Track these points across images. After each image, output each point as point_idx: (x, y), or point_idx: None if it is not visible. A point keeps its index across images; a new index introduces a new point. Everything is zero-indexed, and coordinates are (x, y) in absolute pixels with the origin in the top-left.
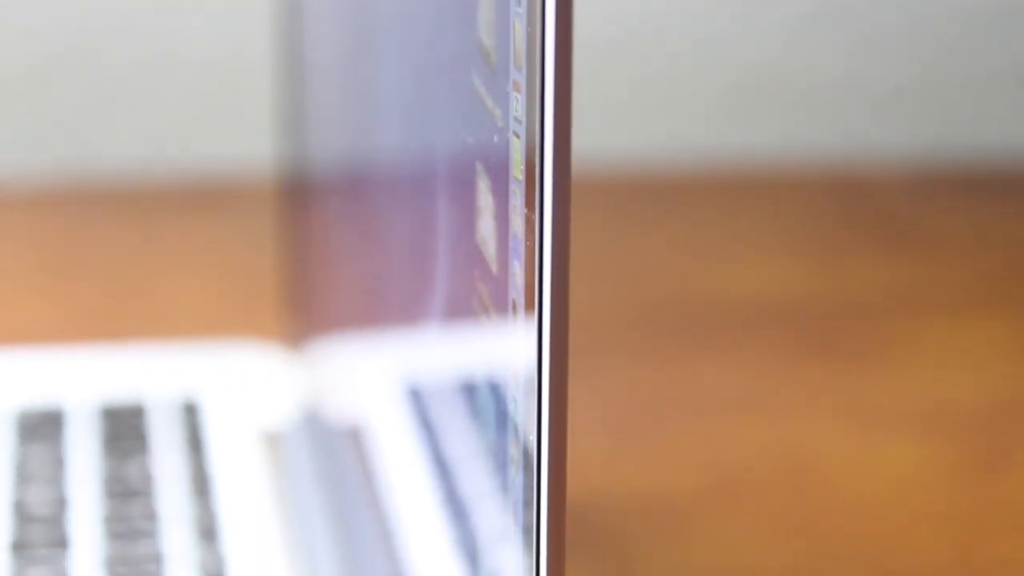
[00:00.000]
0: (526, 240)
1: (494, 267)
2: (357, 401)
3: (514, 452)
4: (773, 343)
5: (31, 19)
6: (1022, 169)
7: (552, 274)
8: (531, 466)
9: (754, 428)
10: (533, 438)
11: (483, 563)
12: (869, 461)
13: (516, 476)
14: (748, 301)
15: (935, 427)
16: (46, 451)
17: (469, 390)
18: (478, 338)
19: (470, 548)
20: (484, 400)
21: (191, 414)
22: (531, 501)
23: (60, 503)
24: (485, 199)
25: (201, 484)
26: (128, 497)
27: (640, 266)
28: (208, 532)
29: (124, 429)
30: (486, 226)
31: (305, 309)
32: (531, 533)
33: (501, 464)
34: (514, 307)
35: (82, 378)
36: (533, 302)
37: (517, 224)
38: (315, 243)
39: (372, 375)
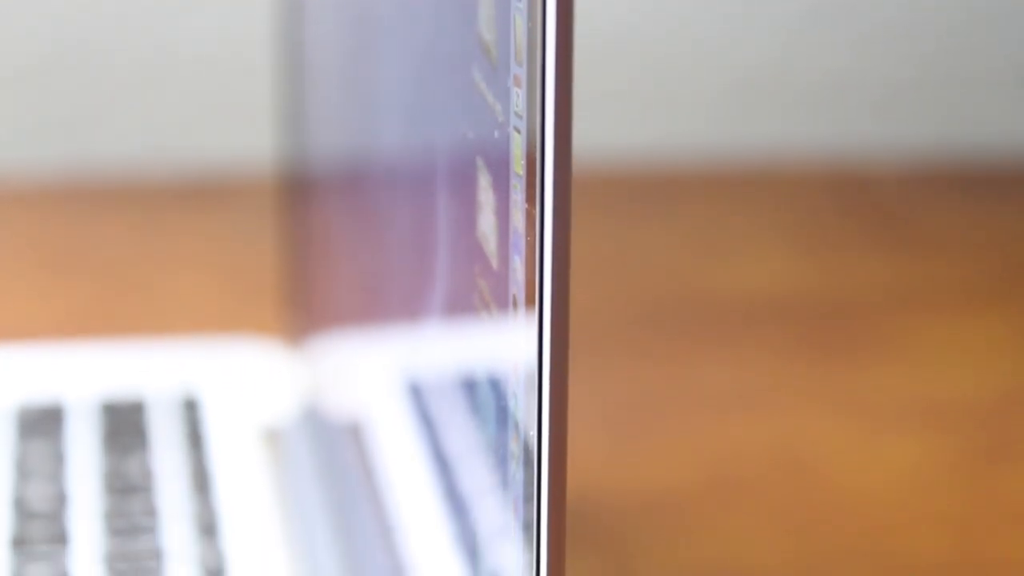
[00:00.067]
0: (527, 235)
1: (495, 262)
2: (357, 397)
3: (514, 448)
4: (773, 340)
5: (31, 16)
6: (1022, 166)
7: (553, 269)
8: (531, 462)
9: (753, 424)
10: (533, 434)
11: (483, 559)
12: (868, 457)
13: (516, 472)
14: (748, 298)
15: (934, 423)
16: (46, 447)
17: (469, 386)
18: (478, 334)
19: (470, 544)
20: (484, 396)
21: (191, 410)
22: (531, 497)
23: (60, 499)
24: (486, 194)
25: (201, 480)
26: (128, 493)
27: (640, 262)
28: (208, 528)
29: (124, 425)
30: (487, 221)
31: (305, 305)
32: (531, 529)
33: (501, 460)
34: (514, 302)
35: (82, 374)
36: (534, 297)
37: (518, 219)
38: (315, 239)
39: (372, 371)
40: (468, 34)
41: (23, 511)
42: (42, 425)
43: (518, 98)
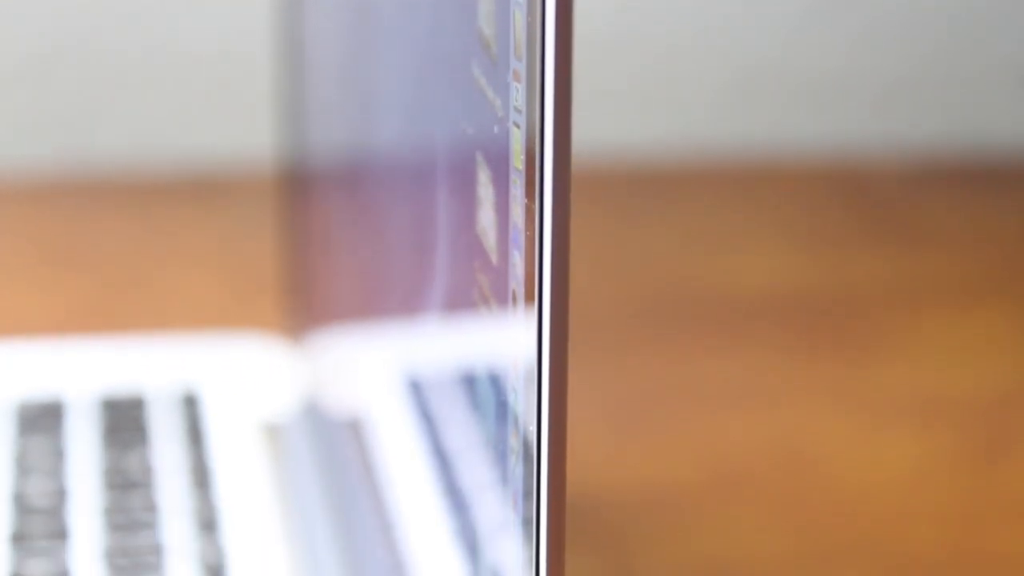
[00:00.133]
0: (526, 230)
1: (494, 258)
2: (357, 392)
3: (514, 443)
4: (773, 335)
5: (31, 12)
6: (1021, 163)
7: (552, 264)
8: (531, 457)
9: (754, 420)
10: (533, 429)
11: (483, 554)
12: (869, 453)
13: (516, 467)
14: (748, 293)
15: (935, 419)
16: (46, 443)
17: (469, 381)
18: (478, 329)
19: (470, 539)
20: (484, 391)
21: (191, 406)
22: (531, 492)
23: (60, 495)
24: (485, 189)
25: (201, 476)
26: (128, 489)
27: (640, 258)
28: (208, 524)
29: (124, 421)
30: (486, 217)
31: (305, 300)
32: (531, 524)
33: (501, 455)
34: (514, 298)
35: (82, 370)
36: (533, 292)
37: (517, 214)
38: (315, 235)
39: (372, 366)
40: (468, 29)
41: (23, 507)
42: (42, 421)
43: (518, 93)
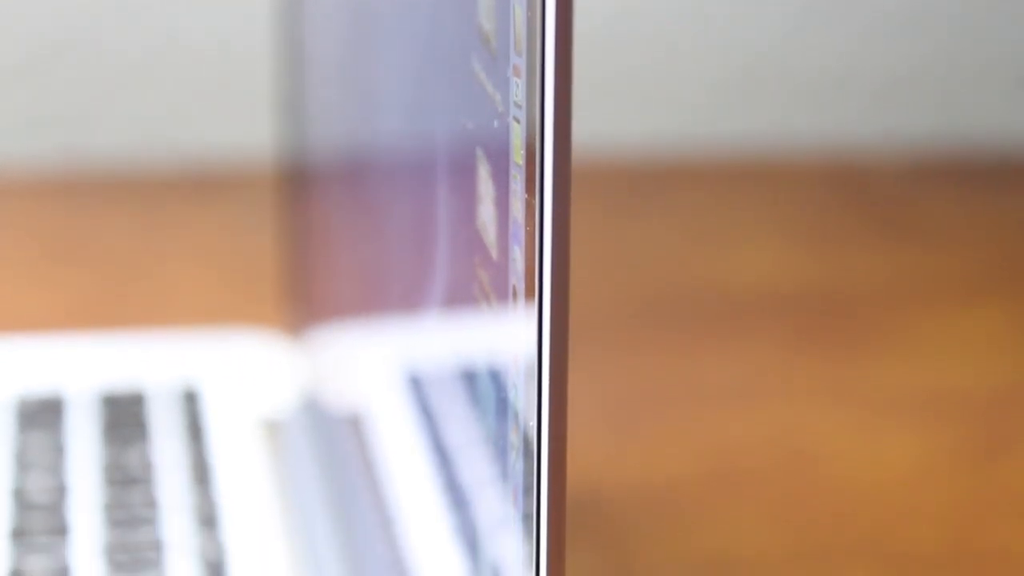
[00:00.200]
0: (526, 225)
1: (494, 253)
2: (357, 389)
3: (514, 439)
4: (772, 331)
5: (32, 8)
6: (1021, 158)
7: (552, 259)
8: (531, 453)
9: (753, 416)
10: (533, 424)
11: (483, 550)
12: (868, 449)
13: (516, 463)
14: (748, 289)
15: (934, 415)
16: (46, 439)
17: (469, 377)
18: (478, 324)
19: (470, 535)
20: (484, 387)
21: (191, 402)
22: (531, 488)
23: (60, 491)
24: (485, 185)
25: (201, 472)
26: (128, 485)
27: (639, 254)
28: (208, 520)
29: (124, 417)
30: (486, 212)
31: (305, 297)
32: (531, 520)
33: (501, 451)
34: (514, 293)
35: (82, 365)
36: (533, 288)
37: (517, 209)
38: (315, 230)
39: (372, 362)
40: (467, 24)
41: (23, 502)
42: (42, 416)
43: (518, 88)
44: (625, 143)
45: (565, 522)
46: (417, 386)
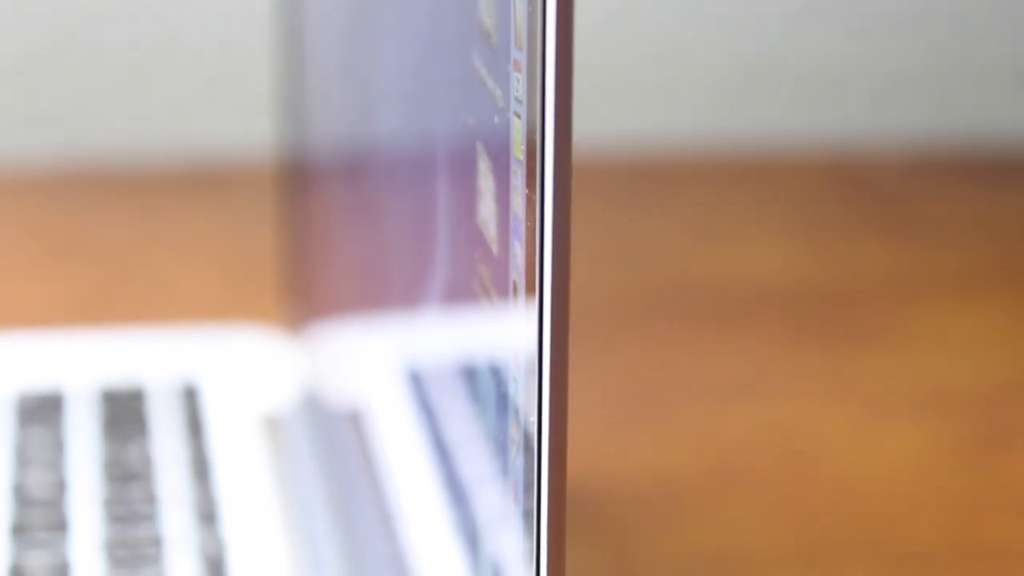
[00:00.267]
0: (527, 220)
1: (495, 248)
2: (357, 384)
3: (514, 435)
4: (773, 327)
5: (32, 5)
6: (1021, 155)
7: (553, 255)
8: (531, 448)
9: (753, 412)
10: (533, 420)
11: (483, 546)
12: (869, 445)
13: (516, 459)
14: (748, 285)
15: (934, 411)
16: (46, 434)
17: (469, 372)
18: (479, 320)
19: (470, 531)
20: (484, 383)
21: (191, 398)
22: (531, 484)
23: (60, 486)
24: (486, 180)
25: (201, 467)
26: (128, 480)
27: (640, 250)
28: (208, 515)
29: (124, 412)
30: (487, 207)
31: (305, 292)
32: (531, 516)
33: (501, 447)
34: (515, 288)
35: (82, 361)
36: (534, 283)
37: (518, 204)
38: (315, 226)
39: (372, 358)
40: (468, 19)
41: (23, 498)
42: (42, 412)
43: (518, 83)
44: (625, 139)
45: (565, 518)
46: (417, 382)
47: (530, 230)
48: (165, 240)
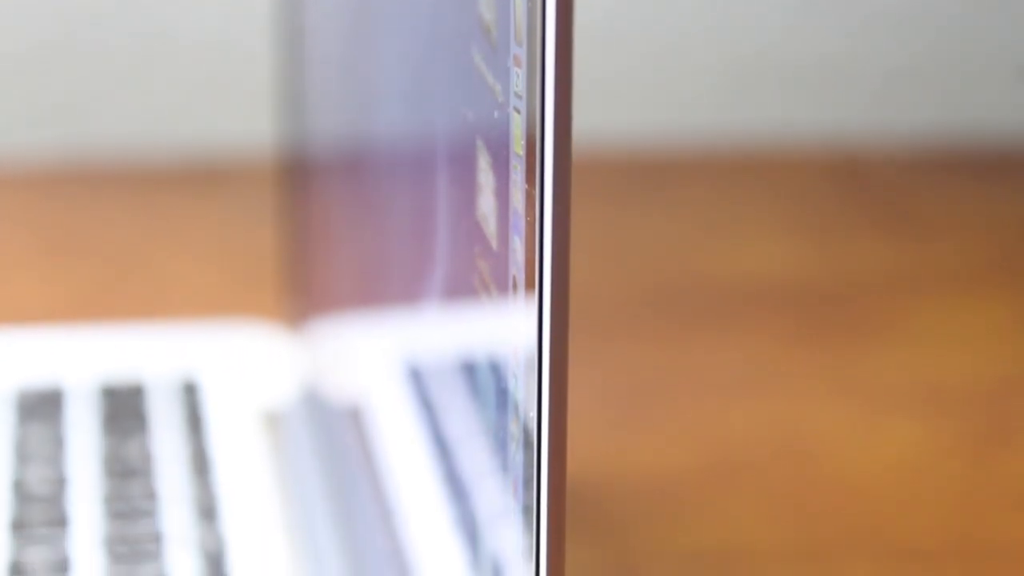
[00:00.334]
0: (526, 216)
1: (494, 244)
2: (357, 380)
3: (514, 430)
4: (773, 323)
5: (31, 1)
6: (1021, 151)
7: (553, 249)
8: (531, 443)
9: (754, 408)
10: (533, 415)
11: (483, 542)
12: (869, 441)
13: (516, 455)
14: (748, 281)
15: (935, 407)
16: (46, 430)
17: (469, 368)
18: (478, 316)
19: (470, 527)
20: (484, 378)
21: (191, 394)
22: (531, 480)
23: (60, 482)
24: (485, 175)
25: (201, 464)
26: (128, 476)
27: (640, 246)
28: (208, 512)
29: (124, 408)
30: (486, 203)
31: (305, 289)
32: (531, 512)
33: (501, 443)
34: (515, 284)
35: (82, 357)
36: (534, 279)
37: (518, 200)
38: (315, 222)
39: (372, 354)
40: (468, 14)
41: (22, 494)
42: (42, 408)
43: (518, 78)
44: (625, 136)
45: (565, 514)
46: (417, 378)
47: (530, 226)
48: (165, 236)
